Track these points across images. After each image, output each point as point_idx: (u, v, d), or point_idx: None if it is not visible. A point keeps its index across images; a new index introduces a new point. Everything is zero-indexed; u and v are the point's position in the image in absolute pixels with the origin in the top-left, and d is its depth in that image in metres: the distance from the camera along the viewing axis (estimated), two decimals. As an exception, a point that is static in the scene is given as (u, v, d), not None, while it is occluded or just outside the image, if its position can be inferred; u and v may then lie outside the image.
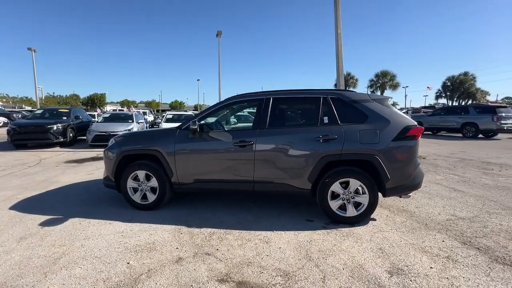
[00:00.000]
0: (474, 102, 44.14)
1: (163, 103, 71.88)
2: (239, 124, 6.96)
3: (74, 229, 2.91)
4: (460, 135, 13.38)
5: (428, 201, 3.82)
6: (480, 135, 12.91)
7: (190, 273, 2.11)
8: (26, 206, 3.65)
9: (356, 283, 1.98)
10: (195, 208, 3.56)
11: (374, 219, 3.13)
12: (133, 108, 25.96)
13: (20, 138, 9.16)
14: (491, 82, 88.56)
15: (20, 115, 20.73)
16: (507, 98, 57.69)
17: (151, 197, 3.43)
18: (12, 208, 3.57)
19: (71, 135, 10.12)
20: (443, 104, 46.64)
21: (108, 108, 44.12)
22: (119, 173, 3.49)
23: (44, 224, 3.05)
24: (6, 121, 20.17)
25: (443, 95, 52.38)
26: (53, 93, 58.98)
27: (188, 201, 3.80)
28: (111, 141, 3.69)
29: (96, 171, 5.84)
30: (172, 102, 74.08)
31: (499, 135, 13.34)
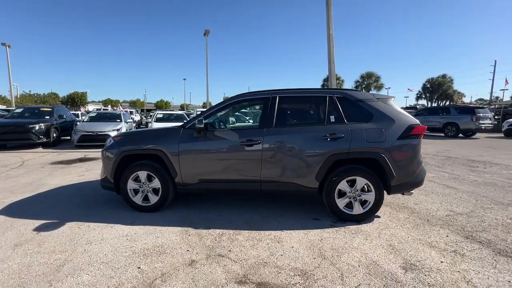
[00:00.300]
0: (451, 103, 46.43)
1: (148, 103, 70.02)
2: (238, 124, 6.90)
3: (73, 234, 2.75)
4: (442, 134, 14.03)
5: (425, 197, 3.95)
6: (460, 134, 13.60)
7: (206, 276, 2.05)
8: (15, 210, 3.42)
9: (374, 279, 2.01)
10: (198, 208, 3.48)
11: (378, 216, 3.20)
12: (120, 107, 24.91)
13: (-2, 138, 8.60)
14: (466, 85, 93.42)
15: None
16: (480, 99, 61.25)
17: (153, 199, 3.31)
18: None
19: (54, 135, 9.62)
20: (423, 105, 48.70)
21: (90, 107, 42.25)
22: (118, 174, 3.35)
23: (39, 229, 2.87)
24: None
25: (423, 96, 54.74)
26: (30, 91, 55.90)
27: (190, 202, 3.71)
28: (110, 141, 3.53)
29: (87, 172, 5.58)
30: (157, 102, 72.45)
31: (477, 134, 14.11)
